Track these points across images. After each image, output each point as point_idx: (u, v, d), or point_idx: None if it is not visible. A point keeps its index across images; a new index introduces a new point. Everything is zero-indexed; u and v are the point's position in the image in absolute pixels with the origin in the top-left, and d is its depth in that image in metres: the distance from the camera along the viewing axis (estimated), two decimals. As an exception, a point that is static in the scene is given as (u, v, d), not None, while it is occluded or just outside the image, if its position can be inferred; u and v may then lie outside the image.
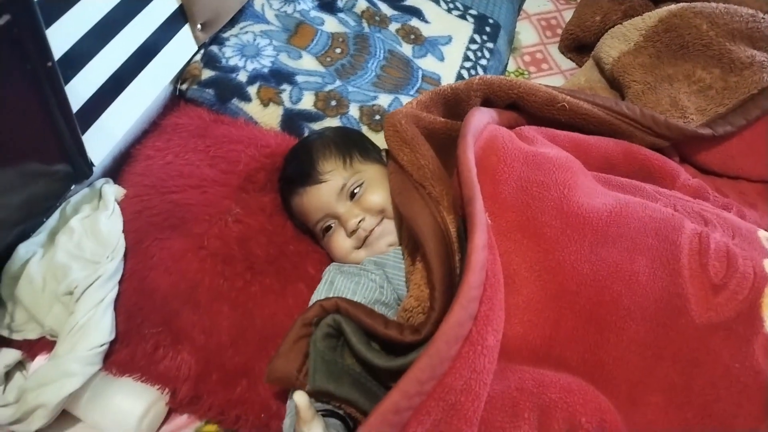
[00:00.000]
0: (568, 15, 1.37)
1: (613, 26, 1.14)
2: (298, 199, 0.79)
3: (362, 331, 0.60)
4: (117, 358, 0.69)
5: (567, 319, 0.61)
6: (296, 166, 0.81)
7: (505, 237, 0.65)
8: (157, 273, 0.73)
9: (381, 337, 0.58)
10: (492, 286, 0.55)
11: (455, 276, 0.60)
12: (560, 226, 0.64)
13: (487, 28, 1.19)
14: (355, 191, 0.77)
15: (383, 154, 0.86)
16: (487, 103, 0.83)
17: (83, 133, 0.73)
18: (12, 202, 0.68)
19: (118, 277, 0.72)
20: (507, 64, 1.26)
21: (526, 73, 1.27)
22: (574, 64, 1.30)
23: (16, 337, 0.71)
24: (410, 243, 0.70)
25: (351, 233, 0.75)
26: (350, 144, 0.81)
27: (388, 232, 0.76)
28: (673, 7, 1.03)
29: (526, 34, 1.36)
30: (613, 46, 1.09)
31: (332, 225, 0.78)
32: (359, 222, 0.75)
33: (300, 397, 0.55)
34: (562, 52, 1.32)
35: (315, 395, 0.59)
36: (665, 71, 0.99)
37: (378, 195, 0.76)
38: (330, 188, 0.77)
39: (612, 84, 1.10)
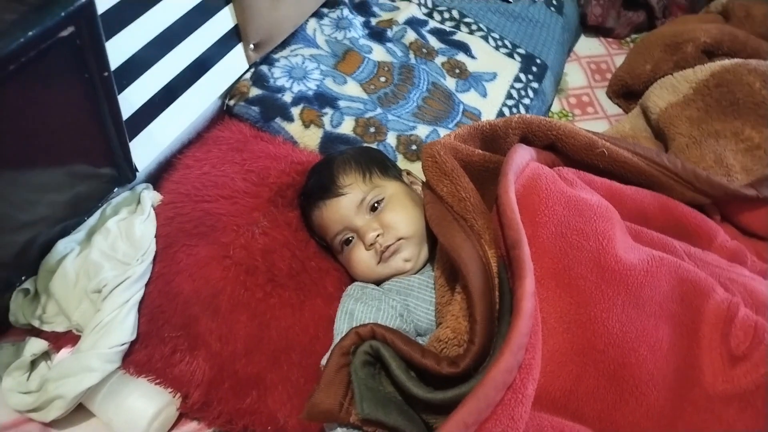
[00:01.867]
0: (619, 60, 1.35)
1: (663, 76, 1.12)
2: (318, 213, 0.80)
3: (401, 359, 0.59)
4: (135, 358, 0.71)
5: (589, 376, 0.60)
6: (316, 181, 0.83)
7: (538, 283, 0.63)
8: (181, 278, 0.75)
9: (416, 365, 0.58)
10: (535, 333, 0.54)
11: (494, 311, 0.59)
12: (595, 280, 0.62)
13: (534, 68, 1.19)
14: (376, 205, 0.78)
15: (404, 174, 0.87)
16: (524, 141, 0.82)
17: (131, 140, 0.76)
18: (59, 199, 0.71)
19: (146, 279, 0.74)
20: (551, 105, 1.25)
21: (570, 115, 1.26)
22: (620, 110, 1.28)
23: (45, 328, 0.74)
24: (446, 272, 0.69)
25: (369, 246, 0.76)
26: (370, 160, 0.83)
27: (404, 248, 0.76)
28: (726, 62, 1.01)
29: (575, 75, 1.35)
30: (661, 96, 1.07)
31: (351, 238, 0.78)
32: (377, 236, 0.75)
33: None
34: (610, 97, 1.30)
35: (363, 424, 0.57)
36: (713, 126, 0.96)
37: (398, 215, 0.77)
38: (349, 201, 0.78)
39: (657, 134, 1.08)
